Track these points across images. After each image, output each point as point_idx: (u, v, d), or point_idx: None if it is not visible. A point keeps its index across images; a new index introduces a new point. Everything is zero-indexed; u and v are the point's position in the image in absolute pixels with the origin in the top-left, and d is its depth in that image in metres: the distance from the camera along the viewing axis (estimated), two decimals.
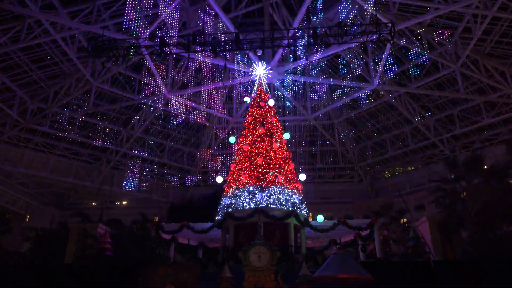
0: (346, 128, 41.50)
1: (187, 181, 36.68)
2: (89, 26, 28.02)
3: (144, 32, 26.42)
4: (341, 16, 27.97)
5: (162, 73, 33.10)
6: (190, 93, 34.93)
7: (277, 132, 24.70)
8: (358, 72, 33.72)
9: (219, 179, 25.39)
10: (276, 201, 21.63)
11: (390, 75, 32.46)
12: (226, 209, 22.24)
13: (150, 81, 32.61)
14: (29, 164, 36.93)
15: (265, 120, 24.87)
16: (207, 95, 33.85)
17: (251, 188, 22.23)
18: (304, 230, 22.39)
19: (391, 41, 21.36)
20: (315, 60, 32.38)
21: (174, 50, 23.46)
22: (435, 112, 36.27)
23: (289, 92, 36.42)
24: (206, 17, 29.25)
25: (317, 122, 39.68)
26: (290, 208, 21.66)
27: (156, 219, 36.81)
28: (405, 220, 28.63)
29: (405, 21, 28.76)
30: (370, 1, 26.79)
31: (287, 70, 33.54)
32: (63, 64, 32.16)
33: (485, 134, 35.51)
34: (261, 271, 12.70)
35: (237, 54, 31.61)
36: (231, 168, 24.21)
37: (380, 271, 13.21)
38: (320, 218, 22.59)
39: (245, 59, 31.86)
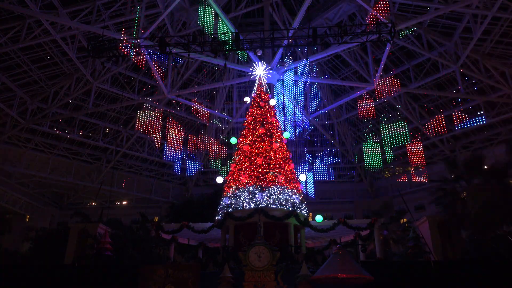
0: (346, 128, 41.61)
1: (188, 172, 36.87)
2: (89, 26, 28.01)
3: (144, 32, 26.50)
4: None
5: (162, 73, 33.11)
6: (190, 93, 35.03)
7: (277, 132, 24.71)
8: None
9: (219, 179, 25.39)
10: (276, 201, 21.63)
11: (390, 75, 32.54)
12: (226, 209, 22.24)
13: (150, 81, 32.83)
14: (29, 164, 36.98)
15: (265, 120, 24.87)
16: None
17: (251, 188, 22.23)
18: (304, 230, 22.39)
19: (391, 41, 21.34)
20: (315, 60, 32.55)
21: (174, 50, 23.46)
22: (435, 112, 36.31)
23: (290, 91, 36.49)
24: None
25: (317, 122, 39.73)
26: (290, 208, 21.66)
27: (156, 219, 36.81)
28: (405, 220, 28.65)
29: (405, 21, 28.77)
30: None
31: (287, 70, 33.58)
32: (63, 64, 32.19)
33: (485, 134, 35.52)
34: (261, 271, 12.69)
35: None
36: (231, 168, 24.21)
37: (380, 271, 13.21)
38: (318, 218, 22.59)
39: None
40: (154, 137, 32.43)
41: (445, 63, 31.50)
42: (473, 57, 30.58)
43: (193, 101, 33.22)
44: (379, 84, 30.34)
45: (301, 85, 31.33)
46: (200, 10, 26.49)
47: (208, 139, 33.20)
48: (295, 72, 31.23)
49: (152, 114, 30.86)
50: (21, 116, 33.45)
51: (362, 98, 31.70)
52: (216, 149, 32.44)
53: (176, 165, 37.13)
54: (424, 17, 28.14)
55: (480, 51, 30.17)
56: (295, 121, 31.43)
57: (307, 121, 33.52)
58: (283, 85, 31.32)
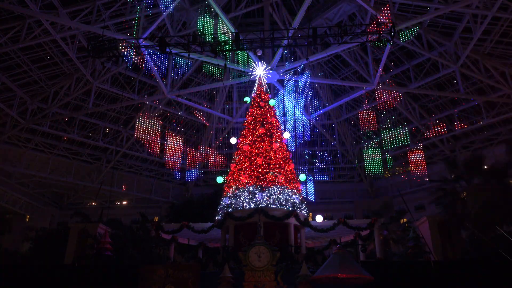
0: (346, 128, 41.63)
1: (187, 178, 36.93)
2: (89, 26, 28.01)
3: (144, 32, 26.50)
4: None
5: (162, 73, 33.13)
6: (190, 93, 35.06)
7: (277, 132, 24.72)
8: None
9: (219, 179, 25.40)
10: (276, 201, 21.64)
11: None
12: (226, 209, 22.25)
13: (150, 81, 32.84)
14: (29, 164, 36.96)
15: (265, 120, 24.88)
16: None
17: (251, 188, 22.24)
18: (304, 230, 22.39)
19: (391, 41, 21.33)
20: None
21: (174, 50, 23.46)
22: (435, 112, 36.33)
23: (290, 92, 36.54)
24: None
25: (317, 122, 39.73)
26: (290, 208, 21.66)
27: (156, 219, 36.81)
28: (405, 220, 28.64)
29: (405, 21, 28.76)
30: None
31: (288, 71, 33.61)
32: (63, 64, 32.18)
33: (485, 134, 35.53)
34: (261, 271, 12.69)
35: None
36: (231, 168, 24.22)
37: (380, 271, 13.21)
38: (319, 218, 22.60)
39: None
40: (154, 147, 32.33)
41: (445, 63, 31.50)
42: (473, 57, 30.58)
43: (192, 95, 33.16)
44: (378, 87, 30.48)
45: (301, 86, 31.33)
46: (199, 20, 26.61)
47: (207, 149, 33.39)
48: (295, 73, 31.25)
49: (151, 122, 30.70)
50: (21, 116, 33.44)
51: (363, 111, 32.00)
52: (216, 161, 32.66)
53: (176, 172, 37.42)
54: (424, 17, 28.12)
55: (480, 51, 30.17)
56: (295, 130, 31.33)
57: (307, 130, 33.43)
58: (283, 87, 31.34)
